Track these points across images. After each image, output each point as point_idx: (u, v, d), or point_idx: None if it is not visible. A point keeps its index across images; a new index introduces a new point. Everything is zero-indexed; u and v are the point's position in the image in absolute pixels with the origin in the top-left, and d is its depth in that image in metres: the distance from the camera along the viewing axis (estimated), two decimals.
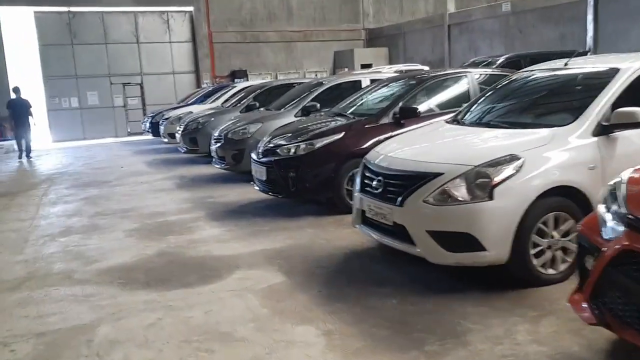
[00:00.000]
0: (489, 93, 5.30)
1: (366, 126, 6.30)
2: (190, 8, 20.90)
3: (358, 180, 4.64)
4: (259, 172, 6.65)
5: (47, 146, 18.19)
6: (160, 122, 14.58)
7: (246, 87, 12.89)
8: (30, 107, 14.63)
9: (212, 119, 10.93)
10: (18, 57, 21.16)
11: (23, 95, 14.64)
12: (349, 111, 7.02)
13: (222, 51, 20.99)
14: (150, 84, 21.07)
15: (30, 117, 14.55)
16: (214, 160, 9.31)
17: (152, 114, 16.49)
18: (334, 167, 6.10)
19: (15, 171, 12.29)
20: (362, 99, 7.32)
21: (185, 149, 11.61)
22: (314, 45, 21.78)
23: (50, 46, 19.84)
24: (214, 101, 13.88)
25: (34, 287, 4.44)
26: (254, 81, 15.30)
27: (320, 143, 6.16)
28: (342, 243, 5.18)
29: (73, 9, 19.77)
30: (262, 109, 9.87)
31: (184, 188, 8.68)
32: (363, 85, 8.53)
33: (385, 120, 6.27)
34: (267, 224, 6.08)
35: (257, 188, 6.93)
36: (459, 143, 4.43)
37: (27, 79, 20.80)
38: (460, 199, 3.70)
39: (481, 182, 3.68)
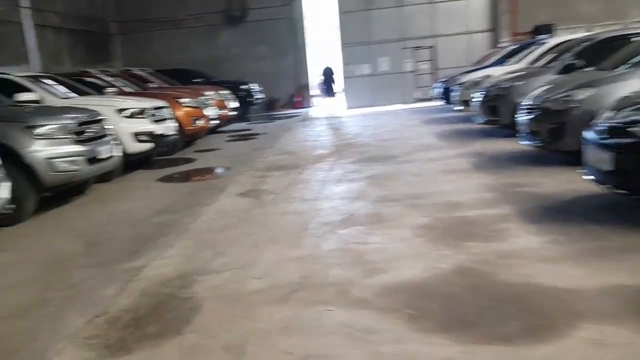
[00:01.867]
0: None
1: None
2: None
3: None
4: (600, 158, 4.68)
5: (341, 113, 18.65)
6: (453, 87, 13.17)
7: (561, 43, 10.45)
8: (333, 74, 16.79)
9: (519, 83, 9.00)
10: (320, 27, 22.17)
11: (330, 64, 17.14)
12: None
13: (525, 4, 18.33)
14: (442, 46, 19.87)
15: (332, 84, 16.53)
16: (521, 134, 7.51)
17: (443, 79, 15.22)
18: None
19: (307, 141, 12.40)
20: None
21: (482, 119, 9.98)
22: None
23: (349, 13, 20.20)
24: (517, 62, 11.80)
25: (304, 301, 3.54)
26: (564, 36, 12.57)
27: None
28: None
29: None
30: (588, 69, 7.60)
31: (483, 170, 7.13)
32: None
33: None
34: (614, 236, 4.16)
35: (589, 178, 4.98)
36: None
37: (328, 48, 21.74)
38: None
39: None
